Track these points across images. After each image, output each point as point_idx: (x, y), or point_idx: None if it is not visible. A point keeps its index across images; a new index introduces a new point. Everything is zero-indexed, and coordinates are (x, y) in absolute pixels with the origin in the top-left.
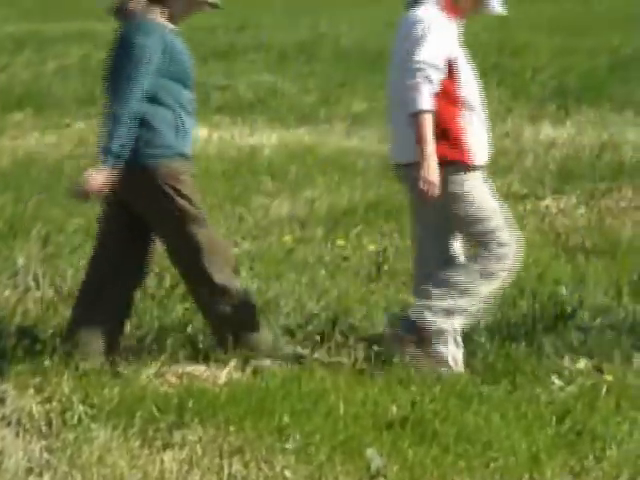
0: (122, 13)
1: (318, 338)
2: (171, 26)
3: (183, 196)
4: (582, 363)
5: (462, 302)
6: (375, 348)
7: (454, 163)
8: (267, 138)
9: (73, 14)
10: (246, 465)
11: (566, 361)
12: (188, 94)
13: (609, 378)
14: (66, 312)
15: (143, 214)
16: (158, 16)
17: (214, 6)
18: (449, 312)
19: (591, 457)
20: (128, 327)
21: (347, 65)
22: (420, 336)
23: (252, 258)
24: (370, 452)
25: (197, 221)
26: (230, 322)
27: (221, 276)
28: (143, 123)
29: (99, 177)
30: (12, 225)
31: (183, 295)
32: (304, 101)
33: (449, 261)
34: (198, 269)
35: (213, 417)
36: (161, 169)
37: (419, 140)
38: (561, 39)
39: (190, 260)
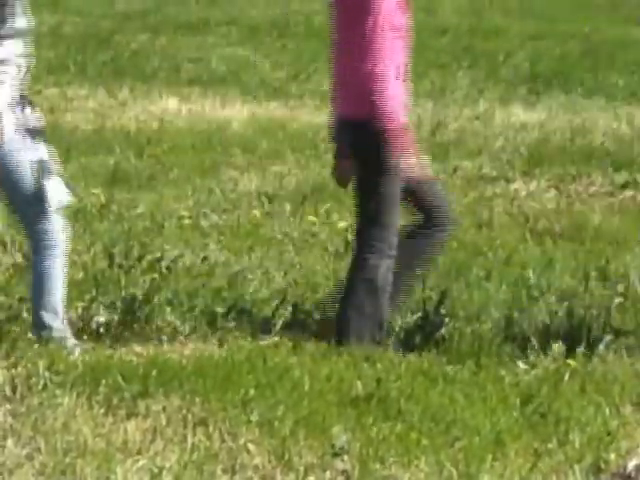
0: None
1: (285, 312)
2: None
3: None
4: (548, 347)
5: None
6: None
7: None
8: (238, 112)
9: None
10: (210, 437)
11: (531, 344)
12: None
13: (573, 362)
14: None
15: None
16: None
17: None
18: None
19: (554, 440)
20: (96, 295)
21: (319, 43)
22: None
23: (220, 231)
24: (336, 430)
25: None
26: None
27: None
28: None
29: None
30: None
31: (150, 266)
32: (276, 76)
33: None
34: None
35: (178, 388)
36: None
37: None
38: (533, 23)
39: None
